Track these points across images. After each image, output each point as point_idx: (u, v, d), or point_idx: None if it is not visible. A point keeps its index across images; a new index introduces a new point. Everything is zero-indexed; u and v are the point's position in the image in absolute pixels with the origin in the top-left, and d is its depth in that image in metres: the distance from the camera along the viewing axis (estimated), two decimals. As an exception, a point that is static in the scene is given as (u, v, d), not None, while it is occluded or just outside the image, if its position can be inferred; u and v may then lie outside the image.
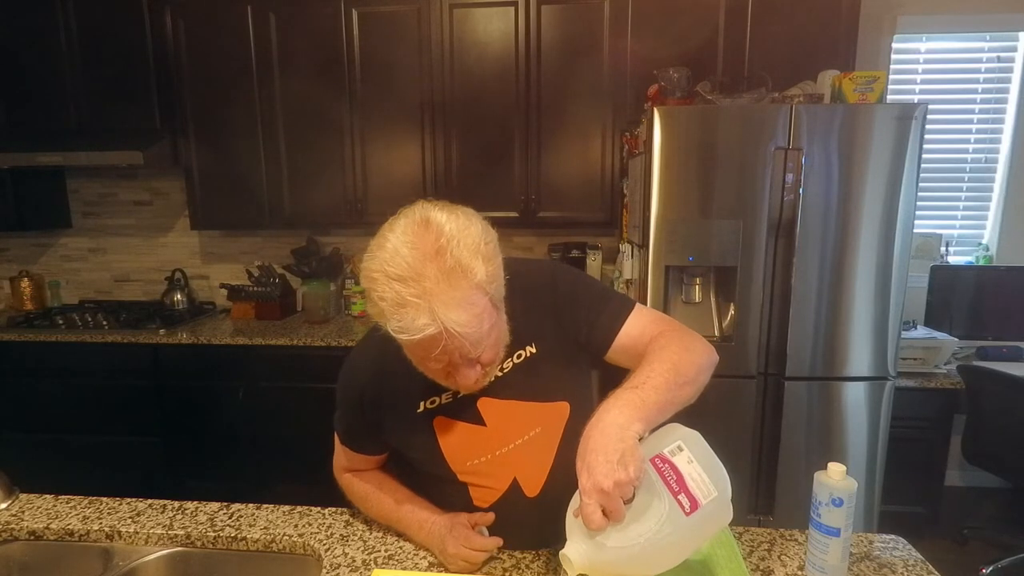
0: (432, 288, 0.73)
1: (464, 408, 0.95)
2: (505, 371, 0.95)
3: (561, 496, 0.80)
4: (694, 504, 0.71)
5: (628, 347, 0.94)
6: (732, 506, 0.74)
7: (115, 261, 3.14)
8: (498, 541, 0.94)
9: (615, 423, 0.73)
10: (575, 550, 0.72)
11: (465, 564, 0.92)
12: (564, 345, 0.97)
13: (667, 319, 0.97)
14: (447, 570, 0.94)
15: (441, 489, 1.00)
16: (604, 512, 0.69)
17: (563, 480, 0.82)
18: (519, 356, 0.96)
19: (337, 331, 2.57)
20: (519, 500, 0.96)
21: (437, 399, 0.96)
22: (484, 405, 0.95)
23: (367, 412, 0.99)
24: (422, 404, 0.96)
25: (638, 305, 0.98)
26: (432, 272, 0.74)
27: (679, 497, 0.72)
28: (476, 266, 0.76)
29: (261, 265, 2.89)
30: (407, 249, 0.75)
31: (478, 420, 0.95)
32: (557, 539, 0.93)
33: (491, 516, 0.95)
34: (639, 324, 0.95)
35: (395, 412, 0.97)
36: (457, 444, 0.96)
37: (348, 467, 1.09)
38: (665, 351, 0.86)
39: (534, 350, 0.96)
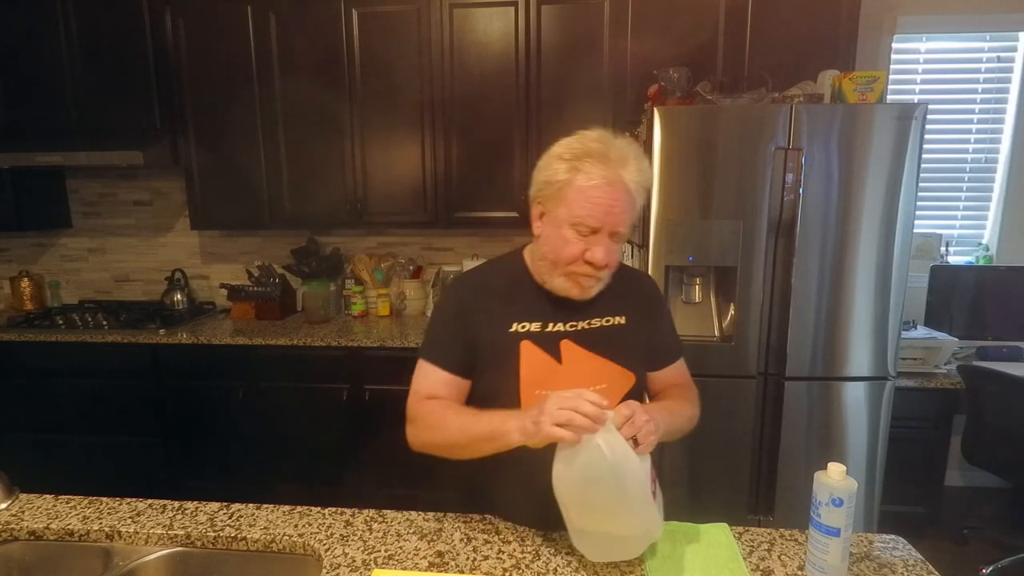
0: (621, 155, 0.96)
1: (548, 341, 1.05)
2: (592, 326, 1.07)
3: None
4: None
5: (664, 377, 1.18)
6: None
7: (115, 261, 3.14)
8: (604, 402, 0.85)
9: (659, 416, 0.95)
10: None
11: (565, 413, 0.83)
12: (646, 333, 1.13)
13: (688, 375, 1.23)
14: (541, 431, 0.85)
15: None
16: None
17: None
18: (608, 321, 1.09)
19: (337, 331, 2.57)
20: None
21: (528, 325, 1.05)
22: (566, 347, 1.05)
23: (463, 321, 1.07)
24: (515, 325, 1.05)
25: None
26: (622, 146, 0.97)
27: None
28: (649, 168, 0.99)
29: (261, 265, 2.89)
30: (604, 131, 0.99)
31: (556, 356, 1.04)
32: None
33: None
34: (681, 367, 1.21)
35: (490, 325, 1.06)
36: (532, 371, 1.03)
37: (429, 393, 1.05)
38: (688, 403, 1.14)
39: (623, 321, 1.11)
